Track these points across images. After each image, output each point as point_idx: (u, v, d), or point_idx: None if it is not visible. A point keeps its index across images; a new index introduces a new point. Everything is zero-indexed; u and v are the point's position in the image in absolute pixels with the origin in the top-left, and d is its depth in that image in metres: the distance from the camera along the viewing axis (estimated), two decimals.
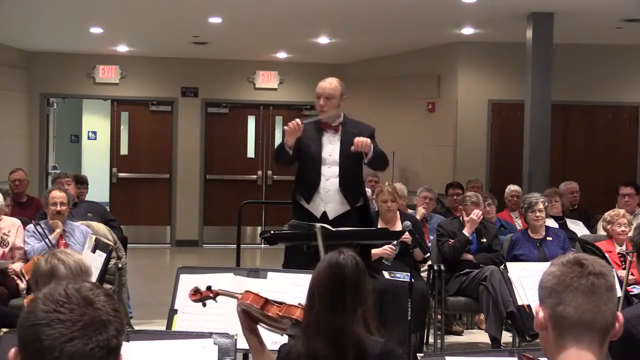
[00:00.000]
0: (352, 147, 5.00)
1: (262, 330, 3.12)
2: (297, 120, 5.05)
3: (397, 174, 11.02)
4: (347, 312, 2.82)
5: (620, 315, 1.92)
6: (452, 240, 6.40)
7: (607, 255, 6.21)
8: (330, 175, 5.14)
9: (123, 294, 6.43)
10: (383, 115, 11.27)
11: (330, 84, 5.19)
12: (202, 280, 3.89)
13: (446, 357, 2.77)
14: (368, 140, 5.00)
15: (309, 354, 2.80)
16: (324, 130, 5.20)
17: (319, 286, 2.88)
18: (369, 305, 2.90)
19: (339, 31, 10.01)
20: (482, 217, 6.54)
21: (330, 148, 5.17)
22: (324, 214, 5.10)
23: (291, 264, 4.89)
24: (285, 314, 3.02)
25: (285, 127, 5.07)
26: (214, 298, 3.22)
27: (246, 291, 3.13)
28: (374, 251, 5.88)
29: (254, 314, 3.06)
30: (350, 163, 5.16)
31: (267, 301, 3.06)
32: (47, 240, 5.92)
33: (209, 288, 3.22)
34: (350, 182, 5.19)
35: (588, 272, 1.89)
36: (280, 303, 3.07)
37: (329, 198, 5.12)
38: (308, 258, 4.40)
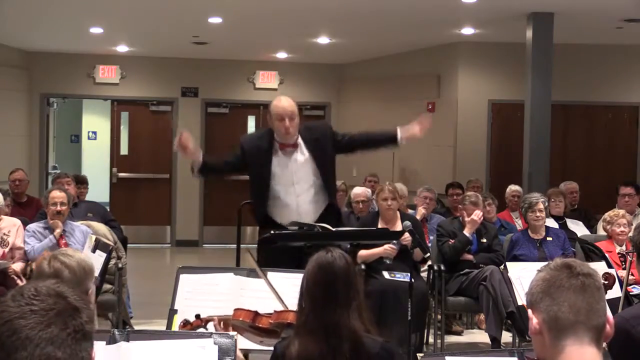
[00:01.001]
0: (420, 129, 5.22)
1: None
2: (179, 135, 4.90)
3: (397, 174, 11.03)
4: (341, 308, 2.82)
5: (610, 317, 1.94)
6: (452, 241, 6.40)
7: (607, 255, 6.21)
8: (300, 192, 4.98)
9: (123, 294, 6.42)
10: (383, 115, 11.27)
11: (288, 102, 4.94)
12: (201, 280, 3.89)
13: (446, 357, 2.77)
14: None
15: (305, 355, 2.80)
16: (282, 150, 4.98)
17: (310, 285, 2.89)
18: (361, 300, 2.90)
19: (339, 31, 10.00)
20: (482, 217, 6.54)
21: (295, 166, 4.98)
22: None
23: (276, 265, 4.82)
24: (276, 321, 3.04)
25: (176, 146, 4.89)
26: (204, 326, 3.22)
27: (235, 309, 3.15)
28: (375, 250, 5.88)
29: (248, 330, 3.08)
30: (327, 167, 5.04)
31: (257, 314, 3.08)
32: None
33: (197, 317, 3.23)
34: (331, 183, 5.07)
35: (577, 272, 1.93)
36: (270, 313, 3.10)
37: (303, 213, 4.96)
38: (292, 260, 4.29)
